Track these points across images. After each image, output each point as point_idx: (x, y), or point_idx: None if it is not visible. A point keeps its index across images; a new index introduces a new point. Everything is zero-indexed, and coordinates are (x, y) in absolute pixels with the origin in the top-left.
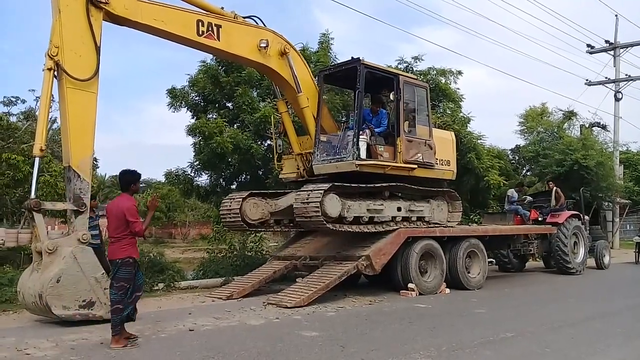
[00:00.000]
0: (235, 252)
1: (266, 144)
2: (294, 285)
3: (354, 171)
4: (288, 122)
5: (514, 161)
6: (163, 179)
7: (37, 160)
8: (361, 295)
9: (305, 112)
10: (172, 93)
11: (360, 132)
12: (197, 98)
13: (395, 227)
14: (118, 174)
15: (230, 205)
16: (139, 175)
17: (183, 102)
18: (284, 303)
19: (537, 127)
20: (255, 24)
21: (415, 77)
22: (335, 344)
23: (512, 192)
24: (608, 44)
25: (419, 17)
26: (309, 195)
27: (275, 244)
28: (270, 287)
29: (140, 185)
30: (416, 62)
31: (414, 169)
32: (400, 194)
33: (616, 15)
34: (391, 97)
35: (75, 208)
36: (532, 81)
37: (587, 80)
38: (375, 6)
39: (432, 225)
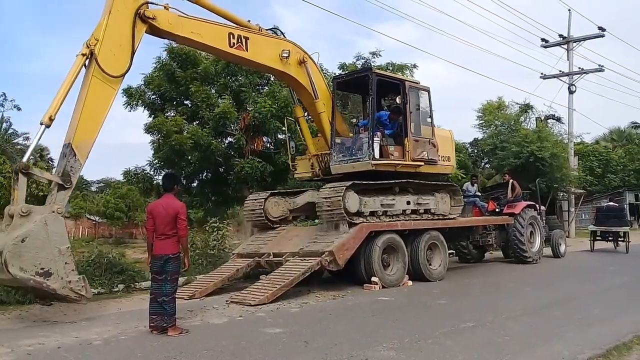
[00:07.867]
0: (197, 251)
1: (227, 141)
2: (258, 282)
3: (369, 170)
4: (304, 126)
5: (472, 154)
6: (122, 178)
7: (42, 127)
8: (325, 291)
9: (322, 116)
10: (128, 92)
11: (374, 135)
12: (153, 97)
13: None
14: (162, 177)
15: (254, 205)
16: (180, 177)
17: (139, 101)
18: (247, 301)
19: (494, 121)
20: (276, 35)
21: (418, 81)
22: (299, 340)
23: (467, 186)
24: (562, 38)
25: (379, 12)
26: (332, 193)
27: (237, 241)
28: (234, 285)
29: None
30: (374, 57)
31: (421, 165)
32: (409, 189)
33: (569, 10)
34: (398, 101)
35: (61, 182)
36: (489, 75)
37: (542, 73)
38: (336, 1)
39: (437, 217)
